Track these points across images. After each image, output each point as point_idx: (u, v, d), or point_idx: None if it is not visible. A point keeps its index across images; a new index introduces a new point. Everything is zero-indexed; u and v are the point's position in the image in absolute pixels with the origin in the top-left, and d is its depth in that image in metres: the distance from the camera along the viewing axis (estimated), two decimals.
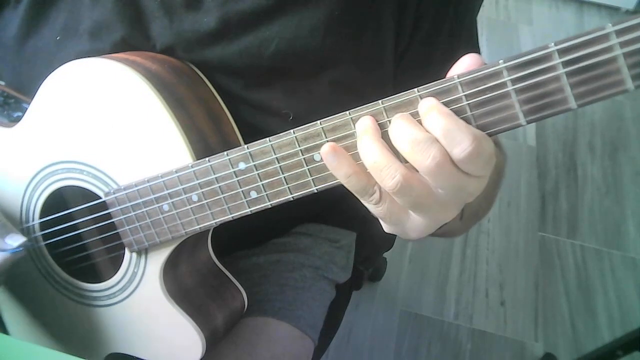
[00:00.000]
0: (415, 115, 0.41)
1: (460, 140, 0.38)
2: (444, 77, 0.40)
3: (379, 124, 0.42)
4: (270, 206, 0.49)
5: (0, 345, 0.51)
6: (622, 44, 0.34)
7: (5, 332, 0.70)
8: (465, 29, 0.65)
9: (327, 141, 0.44)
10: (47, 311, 0.68)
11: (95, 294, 0.63)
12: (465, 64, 0.40)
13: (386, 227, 0.46)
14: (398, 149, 0.40)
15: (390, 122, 0.41)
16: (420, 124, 0.40)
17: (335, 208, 0.84)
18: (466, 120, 0.40)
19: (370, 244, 0.98)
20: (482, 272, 1.70)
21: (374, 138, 0.41)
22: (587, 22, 2.70)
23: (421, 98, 0.40)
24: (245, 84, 0.59)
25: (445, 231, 0.48)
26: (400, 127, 0.40)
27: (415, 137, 0.39)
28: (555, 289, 1.67)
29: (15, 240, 0.57)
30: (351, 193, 0.44)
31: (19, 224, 0.63)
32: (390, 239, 1.15)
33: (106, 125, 0.55)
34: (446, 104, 0.40)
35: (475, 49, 0.67)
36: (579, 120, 2.20)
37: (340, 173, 0.43)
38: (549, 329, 1.58)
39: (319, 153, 0.44)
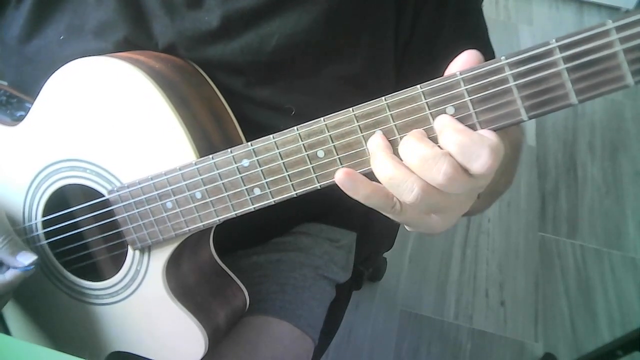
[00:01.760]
0: (429, 130, 0.42)
1: (477, 155, 0.39)
2: (447, 73, 0.41)
3: (390, 140, 0.43)
4: (273, 203, 0.49)
5: (0, 345, 0.51)
6: (622, 40, 0.35)
7: (7, 330, 0.70)
8: (470, 22, 0.65)
9: (330, 137, 0.44)
10: (48, 309, 0.68)
11: (97, 292, 0.63)
12: (462, 60, 0.40)
13: (410, 229, 0.48)
14: (408, 165, 0.41)
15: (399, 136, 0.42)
16: (430, 139, 0.41)
17: (335, 208, 0.84)
18: (468, 116, 0.40)
19: (370, 244, 0.98)
20: (482, 272, 1.70)
21: (386, 154, 0.42)
22: (587, 22, 2.71)
23: (424, 95, 0.41)
24: (246, 81, 0.60)
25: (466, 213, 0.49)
26: (408, 145, 0.41)
27: (423, 153, 0.40)
28: (555, 289, 1.67)
29: (27, 259, 0.58)
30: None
31: (21, 222, 0.63)
32: (390, 239, 1.15)
33: (109, 123, 0.55)
34: (448, 100, 0.40)
35: (482, 43, 0.67)
36: (579, 120, 2.21)
37: (359, 195, 0.43)
38: (549, 329, 1.58)
39: (322, 149, 0.45)
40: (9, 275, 0.58)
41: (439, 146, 0.41)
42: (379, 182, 0.43)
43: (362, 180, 0.43)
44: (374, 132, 0.43)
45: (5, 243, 0.57)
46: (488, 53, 0.67)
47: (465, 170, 0.40)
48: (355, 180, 0.43)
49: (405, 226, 0.47)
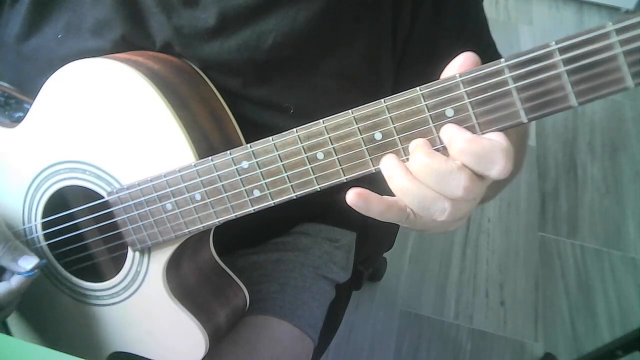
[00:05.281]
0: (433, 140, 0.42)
1: (493, 162, 0.39)
2: (446, 75, 0.41)
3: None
4: (273, 204, 0.49)
5: (0, 345, 0.52)
6: (622, 42, 0.35)
7: (8, 331, 0.70)
8: (470, 17, 0.64)
9: (330, 139, 0.44)
10: (49, 310, 0.68)
11: (97, 293, 0.63)
12: (459, 63, 0.40)
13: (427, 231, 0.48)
14: (425, 184, 0.41)
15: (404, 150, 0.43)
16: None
17: (334, 208, 0.84)
18: (468, 119, 0.40)
19: (370, 244, 0.98)
20: (482, 272, 1.70)
21: (408, 177, 0.42)
22: (587, 22, 2.71)
23: (423, 97, 0.41)
24: (244, 81, 0.60)
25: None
26: (420, 163, 0.41)
27: (438, 170, 0.40)
28: (555, 289, 1.67)
29: (29, 263, 0.58)
30: None
31: (20, 224, 0.63)
32: (390, 239, 1.15)
33: (109, 125, 0.55)
34: (448, 103, 0.40)
35: (483, 39, 0.66)
36: (579, 120, 2.20)
37: (373, 213, 0.43)
38: (549, 329, 1.58)
39: (321, 151, 0.45)
40: (14, 282, 0.58)
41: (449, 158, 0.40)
42: (386, 180, 0.43)
43: (374, 199, 0.43)
44: (373, 134, 0.43)
45: (5, 250, 0.57)
46: (489, 48, 0.67)
47: (481, 177, 0.40)
48: (367, 200, 0.43)
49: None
